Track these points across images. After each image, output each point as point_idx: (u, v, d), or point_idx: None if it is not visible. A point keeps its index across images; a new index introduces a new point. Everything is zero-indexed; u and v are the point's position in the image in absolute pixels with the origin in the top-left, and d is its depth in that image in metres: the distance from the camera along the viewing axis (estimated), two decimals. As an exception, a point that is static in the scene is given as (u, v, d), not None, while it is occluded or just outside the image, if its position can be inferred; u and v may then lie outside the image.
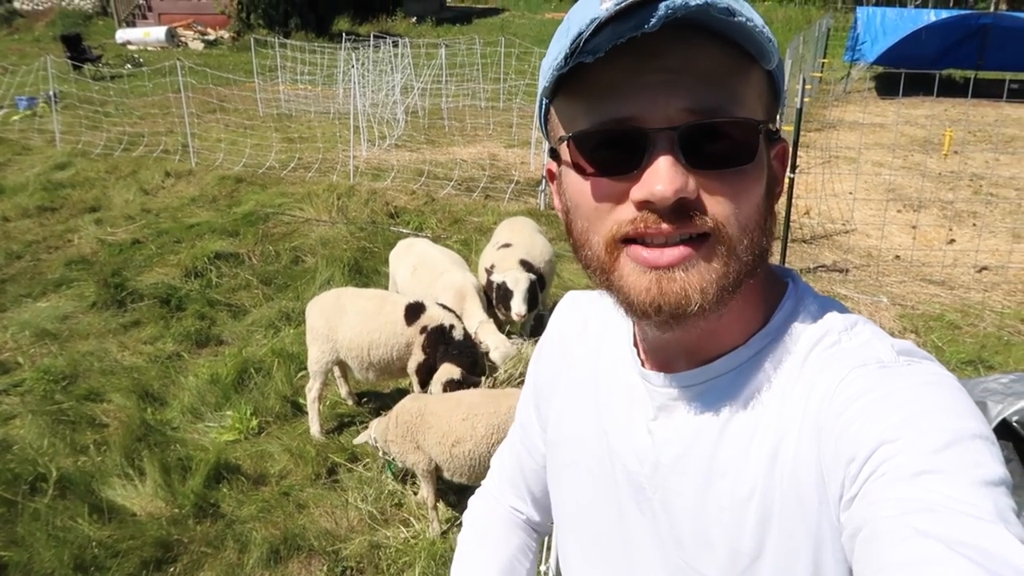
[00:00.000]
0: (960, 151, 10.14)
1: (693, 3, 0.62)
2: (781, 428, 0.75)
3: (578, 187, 0.75)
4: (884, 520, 0.61)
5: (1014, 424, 1.99)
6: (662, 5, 0.62)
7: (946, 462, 0.62)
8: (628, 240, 0.73)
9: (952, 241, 7.01)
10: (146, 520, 3.39)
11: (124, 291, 5.70)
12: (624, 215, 0.72)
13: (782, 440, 0.75)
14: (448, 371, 3.66)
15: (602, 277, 0.77)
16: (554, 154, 0.80)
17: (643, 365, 0.88)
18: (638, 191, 0.70)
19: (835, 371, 0.74)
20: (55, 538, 3.21)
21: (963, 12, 16.04)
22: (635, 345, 0.90)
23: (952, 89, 13.73)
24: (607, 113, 0.70)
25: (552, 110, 0.78)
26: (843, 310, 0.81)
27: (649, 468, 0.85)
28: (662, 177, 0.68)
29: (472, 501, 1.23)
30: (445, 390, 3.58)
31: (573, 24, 0.68)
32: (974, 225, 7.39)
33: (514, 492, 1.18)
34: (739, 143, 0.71)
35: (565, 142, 0.75)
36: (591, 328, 1.00)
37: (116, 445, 3.85)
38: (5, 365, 4.79)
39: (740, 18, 0.65)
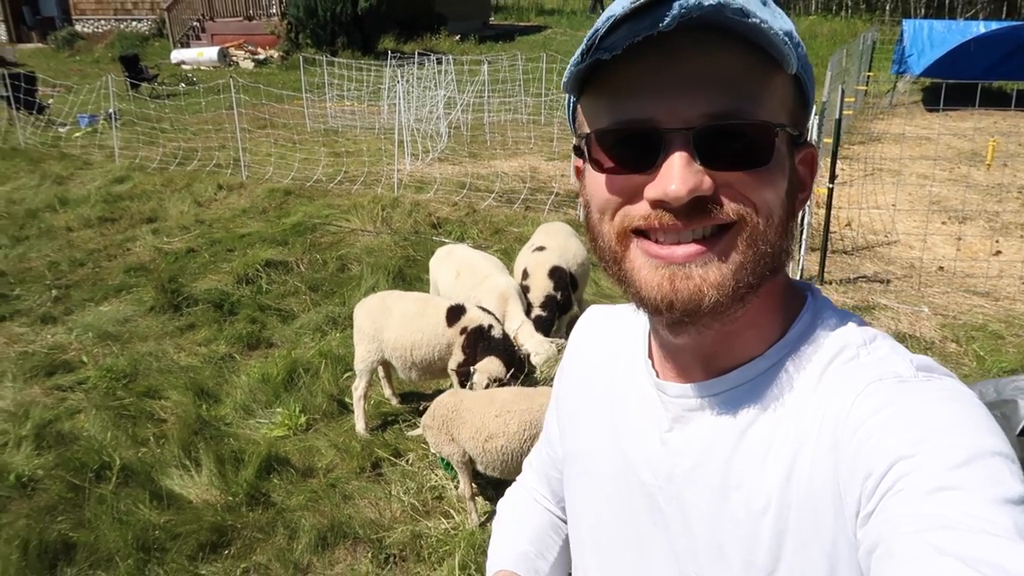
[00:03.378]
0: (1009, 164, 9.97)
1: (707, 3, 0.63)
2: (798, 442, 0.74)
3: (595, 180, 0.77)
4: (901, 537, 0.60)
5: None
6: (676, 4, 0.63)
7: (964, 479, 0.61)
8: (639, 232, 0.74)
9: (999, 253, 6.91)
10: (202, 507, 3.58)
11: (180, 296, 5.96)
12: (637, 210, 0.73)
13: (798, 454, 0.73)
14: (495, 367, 3.79)
15: (614, 267, 0.78)
16: (579, 151, 0.80)
17: (658, 376, 0.87)
18: (652, 190, 0.71)
19: (852, 385, 0.72)
20: (119, 521, 3.42)
21: (1014, 23, 15.72)
22: (650, 356, 0.90)
23: (1003, 101, 13.46)
24: (627, 112, 0.71)
25: (579, 107, 0.79)
26: (862, 324, 0.80)
27: (663, 479, 0.84)
28: (676, 177, 0.68)
29: (508, 491, 1.26)
30: (489, 386, 3.71)
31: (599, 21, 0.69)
32: (1022, 237, 7.27)
33: (545, 496, 1.19)
34: (755, 145, 0.71)
35: (586, 138, 0.76)
36: (608, 341, 0.99)
37: (174, 438, 4.06)
38: (71, 364, 5.07)
39: (754, 19, 0.65)
